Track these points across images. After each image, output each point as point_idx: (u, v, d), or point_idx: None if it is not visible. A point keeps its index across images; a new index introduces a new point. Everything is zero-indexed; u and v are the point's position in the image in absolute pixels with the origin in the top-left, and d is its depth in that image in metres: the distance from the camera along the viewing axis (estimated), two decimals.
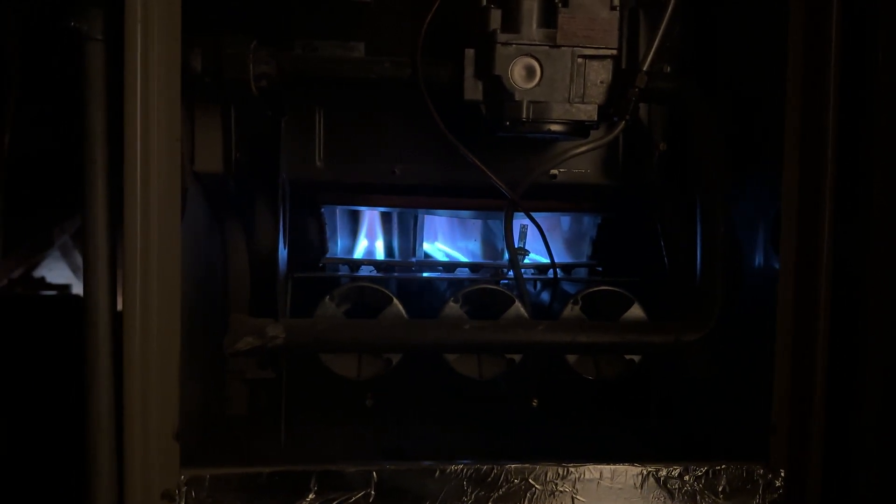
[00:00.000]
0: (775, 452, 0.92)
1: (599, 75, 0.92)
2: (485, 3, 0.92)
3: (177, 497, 0.84)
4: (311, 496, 0.86)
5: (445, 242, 1.29)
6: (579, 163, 1.06)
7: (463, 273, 1.19)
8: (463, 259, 1.26)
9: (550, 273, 1.13)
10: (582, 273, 1.22)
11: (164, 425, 0.83)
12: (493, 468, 0.89)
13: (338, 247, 1.22)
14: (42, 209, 1.48)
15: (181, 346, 0.84)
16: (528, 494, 0.89)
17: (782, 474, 0.92)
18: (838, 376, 0.90)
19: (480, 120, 0.95)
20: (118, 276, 0.85)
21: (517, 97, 0.90)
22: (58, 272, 1.85)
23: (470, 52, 0.92)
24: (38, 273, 1.84)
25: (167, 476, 0.83)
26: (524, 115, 0.91)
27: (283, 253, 1.01)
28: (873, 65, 0.87)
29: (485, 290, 1.01)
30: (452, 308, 0.99)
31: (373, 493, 0.87)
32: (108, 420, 0.83)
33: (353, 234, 1.25)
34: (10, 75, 1.02)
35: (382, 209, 1.18)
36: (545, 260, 1.13)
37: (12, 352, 1.25)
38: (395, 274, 1.17)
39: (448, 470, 0.89)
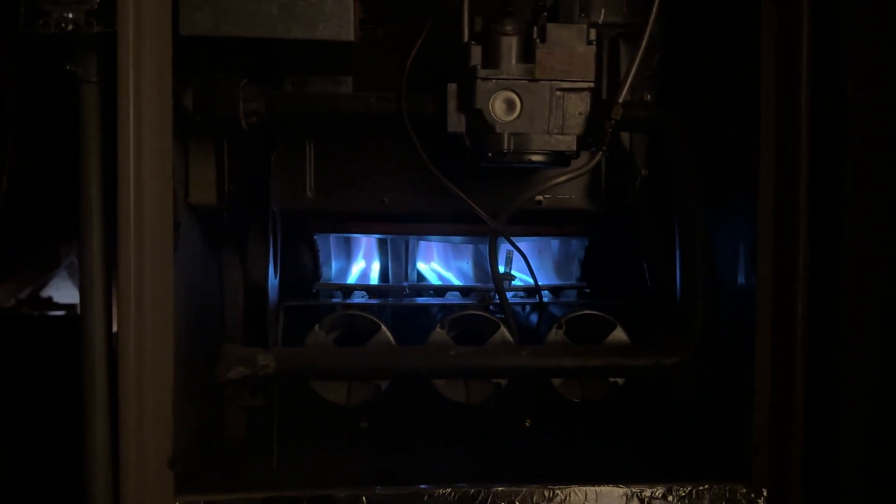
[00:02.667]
0: (757, 472, 0.94)
1: (577, 107, 0.94)
2: (466, 39, 0.95)
3: None
4: None
5: (440, 264, 1.32)
6: (563, 189, 1.09)
7: (453, 297, 1.21)
8: (456, 281, 1.29)
9: (537, 297, 1.15)
10: (571, 295, 1.25)
11: (158, 454, 0.86)
12: (480, 491, 0.91)
13: (332, 271, 1.25)
14: (49, 230, 1.50)
15: (175, 375, 0.87)
16: None
17: (764, 493, 0.94)
18: (819, 394, 0.92)
19: (465, 150, 0.98)
20: (114, 308, 0.88)
21: (498, 129, 0.93)
22: (65, 291, 1.87)
23: (452, 87, 0.95)
24: (45, 293, 1.86)
25: (162, 503, 0.86)
26: (505, 147, 0.94)
27: (273, 282, 1.03)
28: (843, 91, 0.89)
29: (471, 315, 1.03)
30: (439, 334, 1.01)
31: None
32: (103, 449, 0.86)
33: (348, 258, 1.28)
34: (10, 111, 1.05)
35: (374, 236, 1.21)
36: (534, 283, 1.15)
37: (20, 371, 1.28)
38: (387, 300, 1.19)
39: (436, 493, 0.91)
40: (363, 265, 1.28)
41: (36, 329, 1.57)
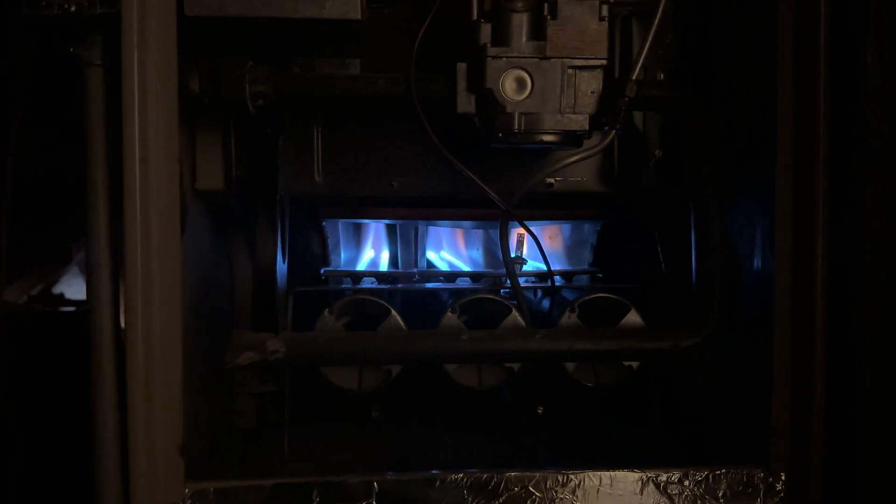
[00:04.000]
0: (776, 456, 0.92)
1: (590, 85, 0.92)
2: (475, 17, 0.93)
3: None
4: None
5: (450, 252, 1.30)
6: (576, 171, 1.07)
7: (464, 282, 1.20)
8: (466, 268, 1.28)
9: (549, 282, 1.14)
10: (583, 280, 1.23)
11: (168, 441, 0.85)
12: (493, 476, 0.90)
13: (341, 259, 1.24)
14: (60, 226, 1.50)
15: (184, 363, 0.86)
16: (528, 502, 0.90)
17: (783, 478, 0.92)
18: (838, 378, 0.90)
19: (475, 132, 0.96)
20: (121, 295, 0.87)
21: (509, 109, 0.92)
22: (76, 288, 1.87)
23: (462, 67, 0.93)
24: (56, 289, 1.86)
25: (172, 490, 0.85)
26: (516, 127, 0.92)
27: (282, 268, 1.02)
28: (863, 68, 0.87)
29: (483, 299, 1.02)
30: (450, 318, 1.00)
31: (374, 503, 0.88)
32: (113, 437, 0.85)
33: (357, 246, 1.27)
34: (15, 96, 1.04)
35: (383, 221, 1.20)
36: (546, 268, 1.13)
37: (32, 367, 1.28)
38: (396, 285, 1.18)
39: (449, 479, 0.90)
40: (372, 254, 1.27)
41: (48, 325, 1.57)
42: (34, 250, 1.55)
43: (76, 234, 1.60)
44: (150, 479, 0.84)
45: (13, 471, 1.20)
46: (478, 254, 1.30)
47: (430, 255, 1.28)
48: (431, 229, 1.26)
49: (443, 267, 1.27)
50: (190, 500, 0.86)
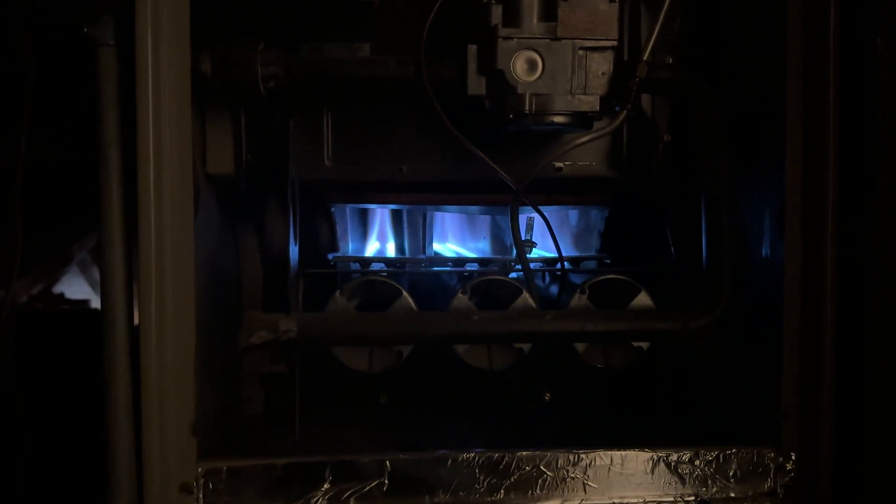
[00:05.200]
0: (786, 436, 0.93)
1: (601, 66, 0.93)
2: None
3: (195, 489, 0.85)
4: (325, 486, 0.87)
5: (455, 242, 1.30)
6: (584, 155, 1.07)
7: (472, 268, 1.20)
8: (473, 255, 1.28)
9: (558, 266, 1.14)
10: (591, 265, 1.23)
11: (180, 420, 0.85)
12: (504, 456, 0.90)
13: (349, 247, 1.24)
14: (60, 225, 1.50)
15: (197, 342, 0.86)
16: (539, 481, 0.90)
17: (793, 458, 0.93)
18: (848, 358, 0.91)
19: (485, 116, 0.96)
20: (135, 278, 0.87)
21: (520, 90, 0.92)
22: (77, 288, 1.87)
23: (472, 48, 0.94)
24: (57, 289, 1.86)
25: (185, 469, 0.85)
26: (527, 108, 0.93)
27: (294, 250, 1.03)
28: (873, 52, 0.88)
29: (493, 281, 1.02)
30: (461, 300, 1.00)
31: (386, 482, 0.88)
32: (126, 417, 0.85)
33: (364, 234, 1.27)
34: (25, 90, 1.04)
35: (391, 207, 1.20)
36: (553, 254, 1.14)
37: (34, 365, 1.28)
38: (405, 269, 1.18)
39: (460, 458, 0.90)
40: (378, 246, 1.27)
41: (49, 324, 1.57)
42: (34, 250, 1.55)
43: (76, 233, 1.61)
44: (163, 459, 0.84)
45: (20, 463, 1.21)
46: (485, 244, 1.30)
47: (437, 246, 1.28)
48: (437, 220, 1.26)
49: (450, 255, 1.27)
50: (203, 479, 0.86)
